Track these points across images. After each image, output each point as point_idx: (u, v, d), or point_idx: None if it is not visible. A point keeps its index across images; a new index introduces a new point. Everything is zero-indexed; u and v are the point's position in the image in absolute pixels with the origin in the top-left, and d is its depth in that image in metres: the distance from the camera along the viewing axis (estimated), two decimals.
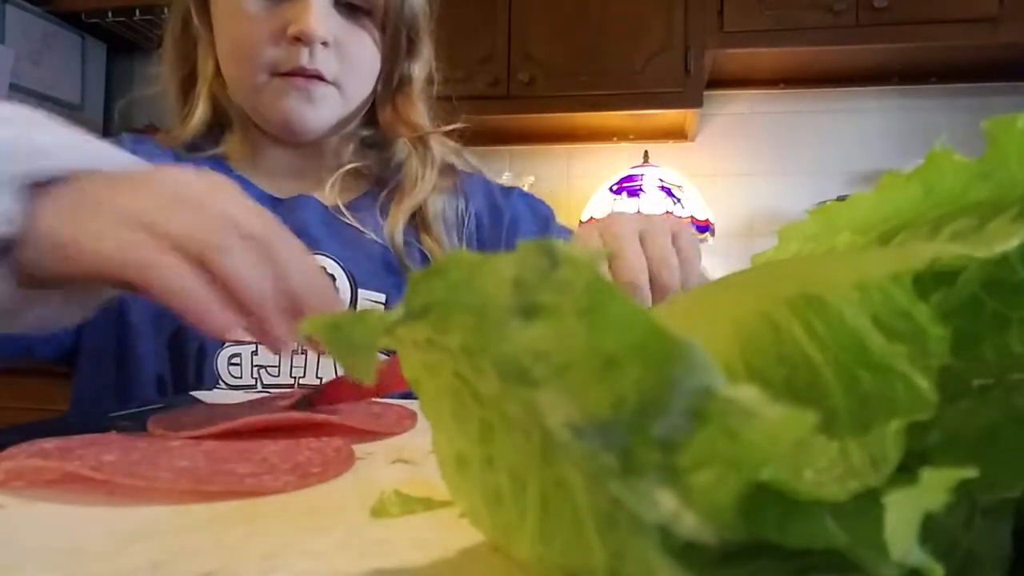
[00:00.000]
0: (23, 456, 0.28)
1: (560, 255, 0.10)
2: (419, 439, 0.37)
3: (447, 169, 0.77)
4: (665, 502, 0.09)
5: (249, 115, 0.72)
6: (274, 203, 0.71)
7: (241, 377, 0.63)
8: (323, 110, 0.69)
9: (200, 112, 0.72)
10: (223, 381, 0.62)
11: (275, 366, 0.63)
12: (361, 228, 0.71)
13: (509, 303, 0.10)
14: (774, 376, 0.15)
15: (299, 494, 0.27)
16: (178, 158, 0.73)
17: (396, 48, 0.72)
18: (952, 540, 0.14)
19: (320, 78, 0.67)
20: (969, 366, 0.15)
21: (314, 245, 0.68)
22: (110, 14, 2.02)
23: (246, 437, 0.34)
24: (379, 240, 0.71)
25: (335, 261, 0.68)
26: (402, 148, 0.75)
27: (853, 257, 0.17)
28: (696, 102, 1.87)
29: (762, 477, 0.09)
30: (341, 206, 0.72)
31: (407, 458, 0.32)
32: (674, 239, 0.52)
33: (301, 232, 0.67)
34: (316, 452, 0.32)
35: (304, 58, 0.65)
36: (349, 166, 0.74)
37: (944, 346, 0.12)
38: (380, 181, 0.76)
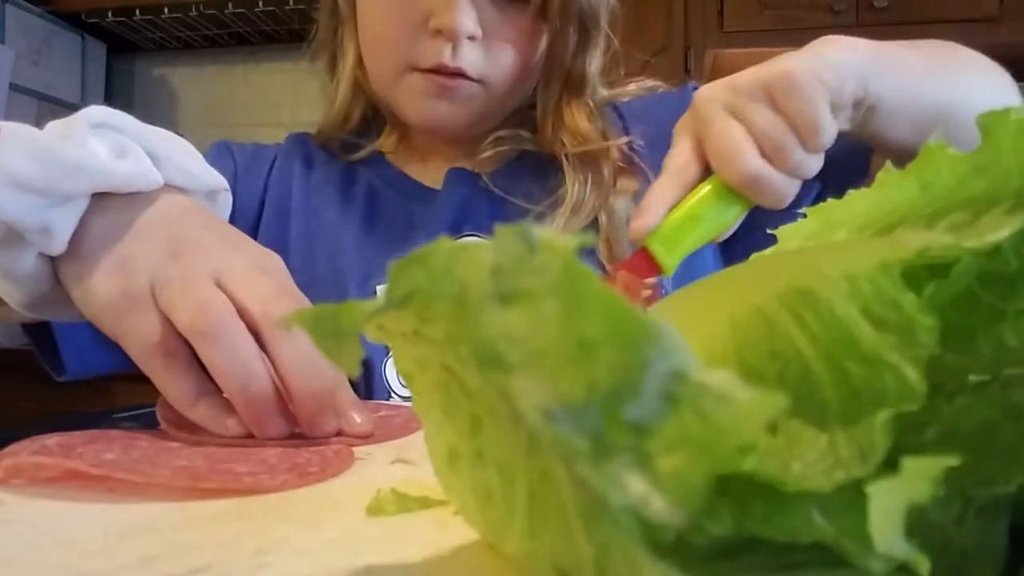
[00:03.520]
0: (25, 453, 0.28)
1: (537, 241, 0.10)
2: (420, 440, 0.37)
3: (626, 169, 0.64)
4: (634, 486, 0.09)
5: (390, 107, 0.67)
6: (429, 194, 0.67)
7: None
8: (466, 108, 0.61)
9: (342, 96, 0.67)
10: (395, 392, 0.57)
11: None
12: (513, 199, 0.63)
13: (487, 290, 0.10)
14: (768, 371, 0.15)
15: (296, 493, 0.27)
16: (332, 157, 0.69)
17: (563, 42, 0.61)
18: (945, 538, 0.14)
19: (463, 75, 0.59)
20: (964, 360, 0.15)
21: (473, 227, 0.64)
22: (110, 14, 2.02)
23: (247, 439, 0.34)
24: (536, 207, 0.63)
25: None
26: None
27: (842, 248, 0.17)
28: None
29: (747, 468, 0.09)
30: (486, 178, 0.65)
31: (406, 458, 0.32)
32: (775, 101, 0.40)
33: (461, 214, 0.64)
34: (315, 453, 0.32)
35: (446, 55, 0.57)
36: (502, 145, 0.66)
37: (932, 336, 0.12)
38: (532, 143, 0.67)
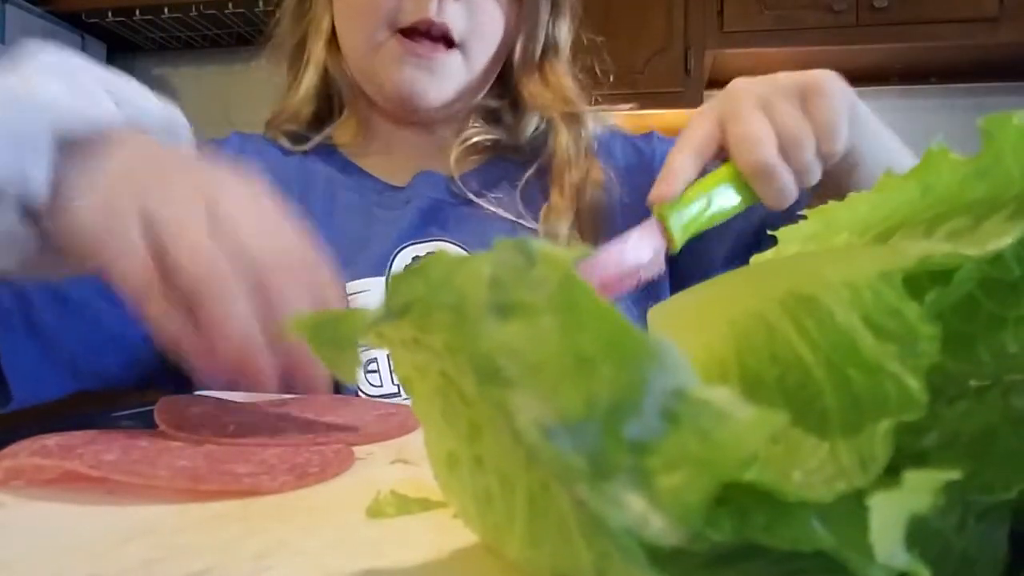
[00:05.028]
0: (24, 454, 0.27)
1: (536, 253, 0.10)
2: (419, 439, 0.37)
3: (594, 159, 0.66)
4: (633, 505, 0.09)
5: (362, 86, 0.66)
6: (391, 190, 0.66)
7: (381, 385, 0.57)
8: (445, 82, 0.62)
9: (308, 79, 0.67)
10: (362, 391, 0.57)
11: None
12: (489, 206, 0.64)
13: (486, 301, 0.10)
14: (767, 376, 0.15)
15: (297, 494, 0.27)
16: (285, 153, 0.68)
17: (536, 6, 0.64)
18: (945, 544, 0.13)
19: (445, 38, 0.59)
20: (965, 367, 0.15)
21: (440, 229, 0.63)
22: (110, 14, 2.02)
23: (247, 438, 0.34)
24: (508, 215, 0.64)
25: (460, 247, 0.61)
26: (533, 121, 0.67)
27: (844, 255, 0.17)
28: (696, 102, 1.87)
29: (749, 478, 0.09)
30: (458, 180, 0.65)
31: (407, 458, 0.32)
32: (806, 103, 0.44)
33: (428, 215, 0.64)
34: (316, 453, 0.32)
35: (432, 9, 0.58)
36: (473, 139, 0.66)
37: (934, 345, 0.12)
38: (503, 148, 0.68)
